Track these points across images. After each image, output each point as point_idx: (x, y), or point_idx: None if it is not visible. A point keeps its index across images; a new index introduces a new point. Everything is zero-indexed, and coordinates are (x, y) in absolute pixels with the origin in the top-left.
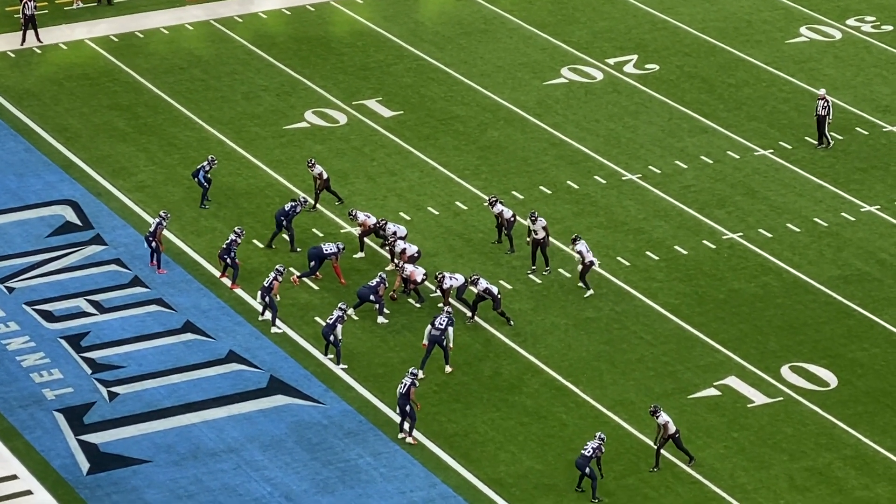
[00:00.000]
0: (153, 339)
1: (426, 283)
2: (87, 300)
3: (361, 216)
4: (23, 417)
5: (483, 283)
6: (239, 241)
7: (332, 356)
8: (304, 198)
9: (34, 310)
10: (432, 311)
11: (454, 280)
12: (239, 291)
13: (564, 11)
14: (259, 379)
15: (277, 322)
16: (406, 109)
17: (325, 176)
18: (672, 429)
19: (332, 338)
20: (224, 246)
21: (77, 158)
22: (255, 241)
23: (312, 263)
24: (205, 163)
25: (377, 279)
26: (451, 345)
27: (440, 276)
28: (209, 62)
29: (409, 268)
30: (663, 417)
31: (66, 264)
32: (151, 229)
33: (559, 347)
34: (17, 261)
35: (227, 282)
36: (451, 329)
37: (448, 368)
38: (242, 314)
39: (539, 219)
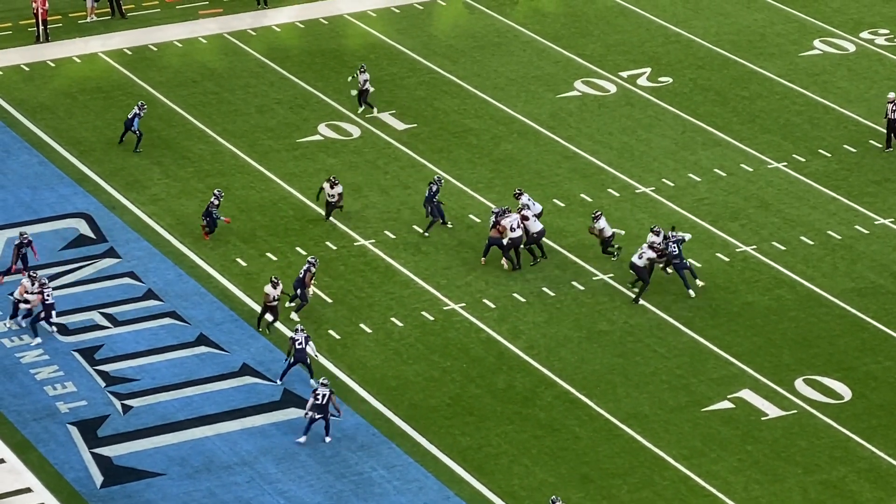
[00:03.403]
0: (167, 352)
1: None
2: (100, 313)
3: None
4: (36, 430)
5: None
6: (217, 202)
7: (270, 327)
8: (438, 177)
9: (48, 323)
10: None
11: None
12: (247, 301)
13: (578, 25)
14: (273, 392)
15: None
16: (419, 122)
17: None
18: (608, 232)
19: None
20: (206, 210)
21: (91, 171)
22: (268, 253)
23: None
24: (135, 108)
25: (305, 266)
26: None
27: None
28: (223, 75)
29: (508, 221)
30: (602, 223)
31: (79, 277)
32: None
33: (572, 360)
34: None
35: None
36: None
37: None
38: (256, 327)
39: (510, 214)
